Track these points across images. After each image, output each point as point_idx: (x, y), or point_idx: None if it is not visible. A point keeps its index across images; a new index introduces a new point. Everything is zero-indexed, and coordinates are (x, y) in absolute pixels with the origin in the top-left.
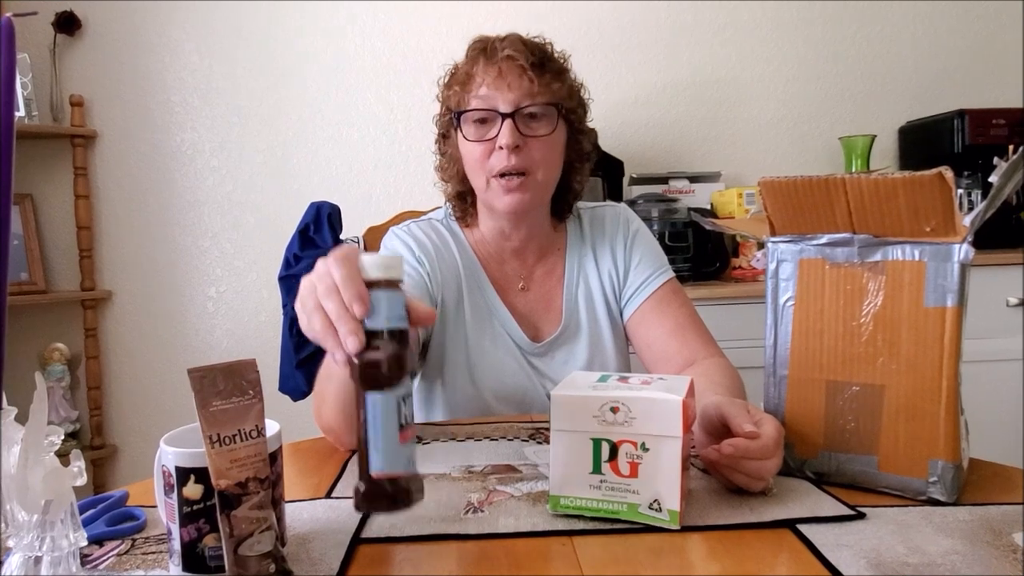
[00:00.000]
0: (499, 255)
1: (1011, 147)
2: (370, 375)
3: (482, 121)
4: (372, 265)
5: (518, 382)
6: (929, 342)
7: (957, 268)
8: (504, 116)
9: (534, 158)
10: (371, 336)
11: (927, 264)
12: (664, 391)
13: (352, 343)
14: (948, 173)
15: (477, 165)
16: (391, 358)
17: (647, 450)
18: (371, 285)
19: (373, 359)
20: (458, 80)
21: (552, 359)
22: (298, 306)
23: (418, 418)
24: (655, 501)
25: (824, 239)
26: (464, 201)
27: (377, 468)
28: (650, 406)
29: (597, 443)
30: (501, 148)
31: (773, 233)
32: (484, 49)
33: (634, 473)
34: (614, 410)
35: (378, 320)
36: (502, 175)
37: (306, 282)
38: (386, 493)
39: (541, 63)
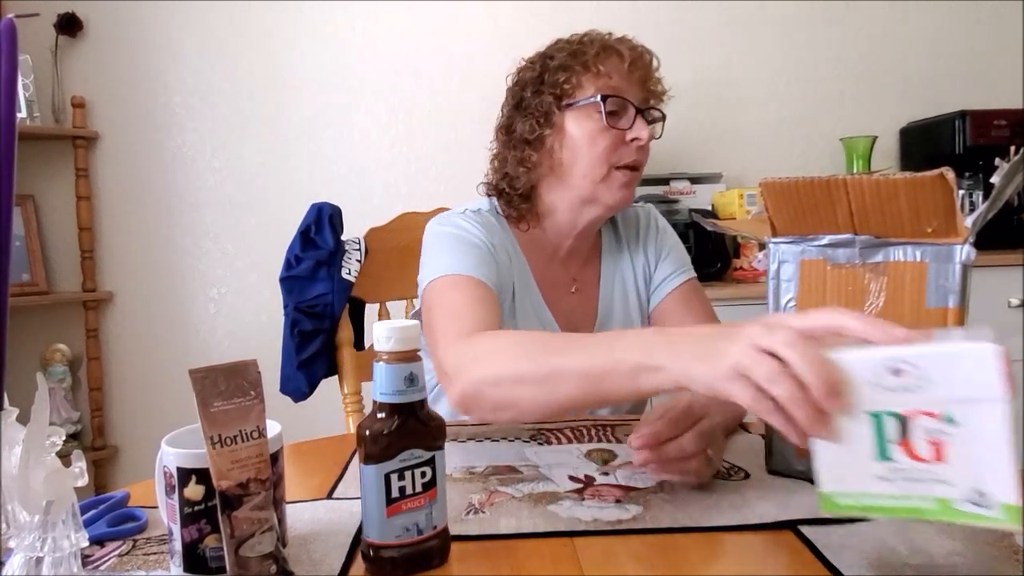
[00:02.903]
0: (551, 256)
1: (1012, 148)
2: (359, 446)
3: (612, 112)
4: (381, 336)
5: None
6: None
7: (959, 269)
8: (638, 110)
9: (645, 155)
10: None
11: (929, 265)
12: (966, 340)
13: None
14: (949, 174)
15: (603, 153)
16: (374, 435)
17: (955, 423)
18: (377, 355)
19: (360, 432)
20: (585, 65)
21: None
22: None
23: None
24: (978, 492)
25: (825, 240)
26: (527, 200)
27: (366, 535)
28: (951, 362)
29: (878, 418)
30: (633, 141)
31: (774, 234)
32: (606, 41)
33: (940, 456)
34: (897, 372)
35: (374, 391)
36: (627, 168)
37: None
38: (379, 559)
39: (657, 64)
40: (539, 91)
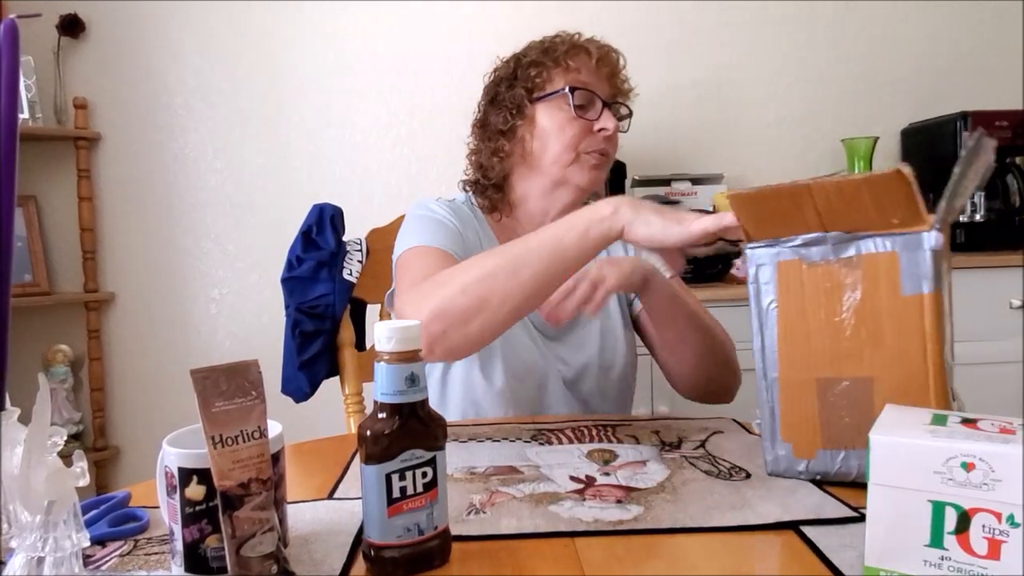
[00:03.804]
0: None
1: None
2: (360, 446)
3: (580, 105)
4: (382, 337)
5: (533, 360)
6: (911, 330)
7: (929, 255)
8: (605, 103)
9: (613, 145)
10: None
11: (899, 254)
12: None
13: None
14: (906, 169)
15: (571, 141)
16: (375, 435)
17: (1017, 526)
18: (378, 355)
19: (361, 432)
20: (556, 60)
21: (565, 344)
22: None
23: (433, 398)
24: None
25: (799, 240)
26: (500, 190)
27: (367, 535)
28: None
29: (939, 508)
30: (601, 131)
31: (749, 239)
32: (574, 41)
33: (994, 554)
34: (968, 467)
35: (375, 392)
36: (595, 152)
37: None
38: (380, 559)
39: (624, 62)
40: (512, 86)
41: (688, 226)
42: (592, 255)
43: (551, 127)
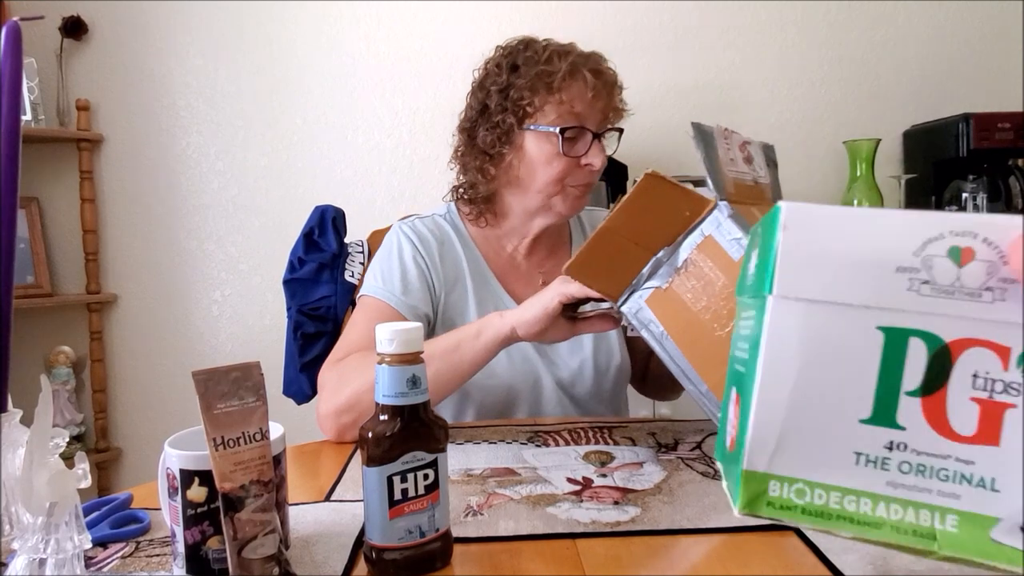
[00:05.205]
0: (512, 251)
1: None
2: (362, 448)
3: (570, 138)
4: (383, 339)
5: (528, 367)
6: None
7: (731, 221)
8: (595, 136)
9: (599, 174)
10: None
11: (712, 235)
12: None
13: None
14: (650, 170)
15: (558, 175)
16: (376, 437)
17: None
18: (380, 357)
19: (362, 434)
20: (549, 88)
21: (558, 345)
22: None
23: None
24: None
25: (644, 275)
26: (488, 201)
27: (369, 537)
28: None
29: (897, 340)
30: (587, 165)
31: (615, 299)
32: (574, 63)
33: (990, 436)
34: (962, 256)
35: (376, 393)
36: (576, 185)
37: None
38: (381, 561)
39: (620, 86)
40: (503, 106)
41: (556, 294)
42: (487, 356)
43: (539, 158)
